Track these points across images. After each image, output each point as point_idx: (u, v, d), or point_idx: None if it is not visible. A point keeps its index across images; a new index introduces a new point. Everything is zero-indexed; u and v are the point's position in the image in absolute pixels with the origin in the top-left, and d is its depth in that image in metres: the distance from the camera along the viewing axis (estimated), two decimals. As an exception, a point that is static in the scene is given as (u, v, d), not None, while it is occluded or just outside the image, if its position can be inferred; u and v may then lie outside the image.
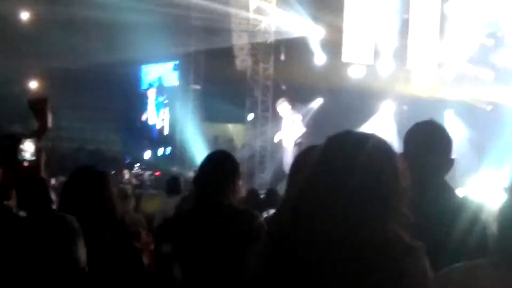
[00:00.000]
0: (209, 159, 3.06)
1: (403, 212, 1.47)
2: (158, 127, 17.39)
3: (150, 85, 17.60)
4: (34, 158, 2.28)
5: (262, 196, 7.21)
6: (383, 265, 1.40)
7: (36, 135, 2.90)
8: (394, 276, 1.40)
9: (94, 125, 15.92)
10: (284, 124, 12.14)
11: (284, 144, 12.10)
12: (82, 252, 1.39)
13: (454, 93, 13.48)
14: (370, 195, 1.43)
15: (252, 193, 7.03)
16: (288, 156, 11.29)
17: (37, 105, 3.05)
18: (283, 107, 12.09)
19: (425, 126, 2.55)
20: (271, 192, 6.97)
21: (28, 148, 2.25)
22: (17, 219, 2.01)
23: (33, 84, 15.64)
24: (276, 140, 12.40)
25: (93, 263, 1.60)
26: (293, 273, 1.43)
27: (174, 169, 14.12)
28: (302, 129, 11.76)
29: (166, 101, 17.05)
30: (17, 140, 2.26)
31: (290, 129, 11.86)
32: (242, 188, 3.73)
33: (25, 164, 2.18)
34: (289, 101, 12.18)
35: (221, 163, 3.00)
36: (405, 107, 14.38)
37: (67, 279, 1.35)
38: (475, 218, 2.30)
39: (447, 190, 2.48)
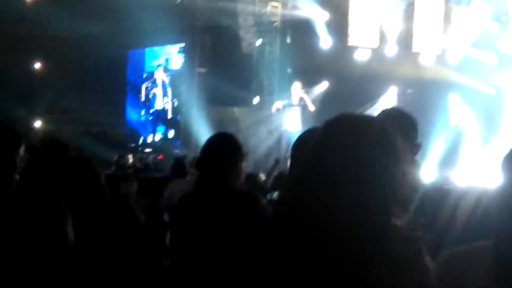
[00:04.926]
0: (211, 141, 2.98)
1: (403, 195, 1.46)
2: (163, 109, 17.38)
3: (157, 67, 17.54)
4: None
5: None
6: (379, 249, 1.39)
7: None
8: (389, 262, 1.40)
9: (99, 108, 15.91)
10: (294, 108, 12.36)
11: (290, 128, 12.23)
12: (70, 231, 1.43)
13: (459, 77, 13.44)
14: (368, 178, 1.41)
15: (251, 177, 6.97)
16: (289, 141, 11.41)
17: None
18: (295, 89, 12.34)
19: (391, 113, 2.60)
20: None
21: None
22: (16, 198, 2.04)
23: (37, 66, 15.63)
24: (285, 126, 12.60)
25: (80, 243, 1.61)
26: (294, 249, 1.42)
27: (177, 151, 14.15)
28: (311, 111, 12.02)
29: (171, 84, 17.04)
30: None
31: (298, 114, 12.06)
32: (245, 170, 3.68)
33: None
34: (302, 84, 12.44)
35: (223, 145, 2.92)
36: (410, 90, 14.36)
37: (58, 257, 1.39)
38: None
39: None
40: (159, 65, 17.38)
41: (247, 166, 3.18)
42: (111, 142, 14.56)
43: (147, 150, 15.62)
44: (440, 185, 4.05)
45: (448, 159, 11.69)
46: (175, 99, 16.81)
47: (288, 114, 12.67)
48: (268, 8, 14.44)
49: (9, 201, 1.65)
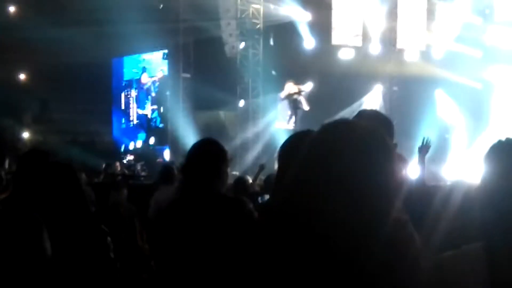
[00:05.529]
0: (195, 147, 2.99)
1: (396, 199, 1.45)
2: (145, 116, 17.33)
3: (141, 73, 17.47)
4: None
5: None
6: (378, 240, 1.39)
7: None
8: (385, 247, 1.39)
9: (85, 117, 15.84)
10: (290, 107, 12.53)
11: (284, 127, 12.39)
12: (47, 244, 1.41)
13: (444, 72, 13.48)
14: (361, 184, 1.41)
15: (239, 181, 6.91)
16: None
17: None
18: (289, 88, 12.45)
19: (369, 114, 2.63)
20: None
21: None
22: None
23: (22, 76, 15.54)
24: (278, 125, 12.76)
25: (59, 254, 1.59)
26: (292, 245, 1.42)
27: (159, 160, 14.18)
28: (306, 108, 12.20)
29: (155, 90, 17.00)
30: None
31: (294, 112, 12.23)
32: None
33: None
34: (295, 83, 12.58)
35: (207, 150, 2.94)
36: (395, 88, 14.40)
37: (35, 270, 1.37)
38: None
39: None
40: (143, 71, 17.33)
41: (232, 170, 3.20)
42: (99, 151, 14.49)
43: (130, 157, 15.56)
44: (423, 182, 4.02)
45: (436, 155, 11.72)
46: (160, 106, 16.77)
47: (279, 113, 12.83)
48: (250, 11, 14.43)
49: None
